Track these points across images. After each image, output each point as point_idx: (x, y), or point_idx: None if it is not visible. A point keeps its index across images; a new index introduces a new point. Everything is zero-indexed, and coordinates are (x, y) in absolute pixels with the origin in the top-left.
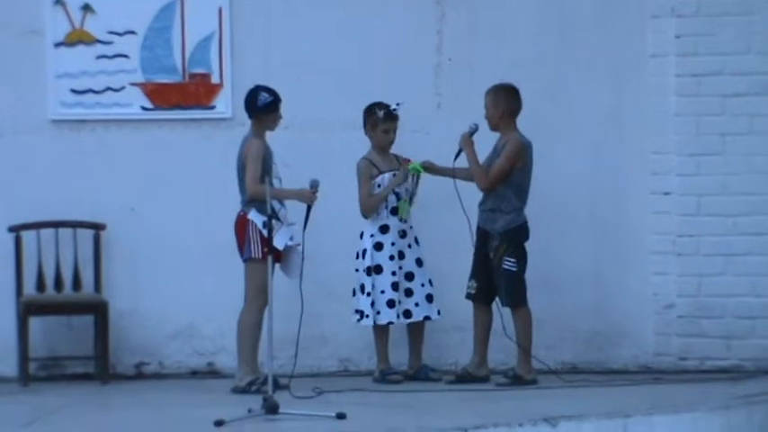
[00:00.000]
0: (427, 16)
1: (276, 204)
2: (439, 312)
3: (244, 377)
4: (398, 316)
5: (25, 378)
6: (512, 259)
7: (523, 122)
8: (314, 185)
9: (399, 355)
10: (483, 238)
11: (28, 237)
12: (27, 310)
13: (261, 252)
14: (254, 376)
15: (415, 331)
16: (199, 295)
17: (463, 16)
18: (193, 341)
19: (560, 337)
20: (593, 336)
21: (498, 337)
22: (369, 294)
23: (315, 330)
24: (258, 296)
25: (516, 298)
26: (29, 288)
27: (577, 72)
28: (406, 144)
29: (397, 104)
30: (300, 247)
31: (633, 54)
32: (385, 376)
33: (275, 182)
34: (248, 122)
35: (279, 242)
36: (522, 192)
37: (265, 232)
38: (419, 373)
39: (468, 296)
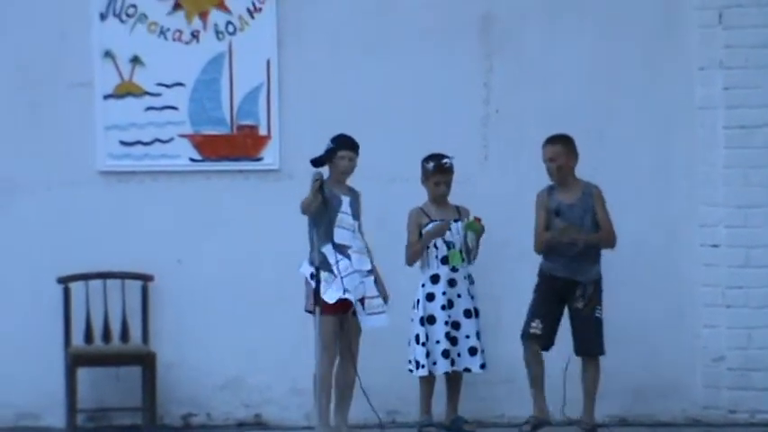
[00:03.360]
0: (475, 69)
1: (333, 257)
2: (482, 367)
3: None
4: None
5: (73, 429)
6: (600, 307)
7: None
8: (316, 176)
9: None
10: (564, 287)
11: (76, 288)
12: (75, 361)
13: (310, 305)
14: None
15: (453, 382)
16: (246, 346)
17: (511, 70)
18: (241, 393)
19: (610, 390)
20: (643, 388)
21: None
22: (424, 345)
23: (363, 381)
24: (324, 350)
25: (603, 345)
26: (77, 339)
27: (625, 123)
28: (453, 195)
29: (448, 158)
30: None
31: (681, 106)
32: (420, 429)
33: (344, 231)
34: (295, 174)
35: (329, 296)
36: None
37: (313, 284)
38: (453, 425)
39: (532, 336)
